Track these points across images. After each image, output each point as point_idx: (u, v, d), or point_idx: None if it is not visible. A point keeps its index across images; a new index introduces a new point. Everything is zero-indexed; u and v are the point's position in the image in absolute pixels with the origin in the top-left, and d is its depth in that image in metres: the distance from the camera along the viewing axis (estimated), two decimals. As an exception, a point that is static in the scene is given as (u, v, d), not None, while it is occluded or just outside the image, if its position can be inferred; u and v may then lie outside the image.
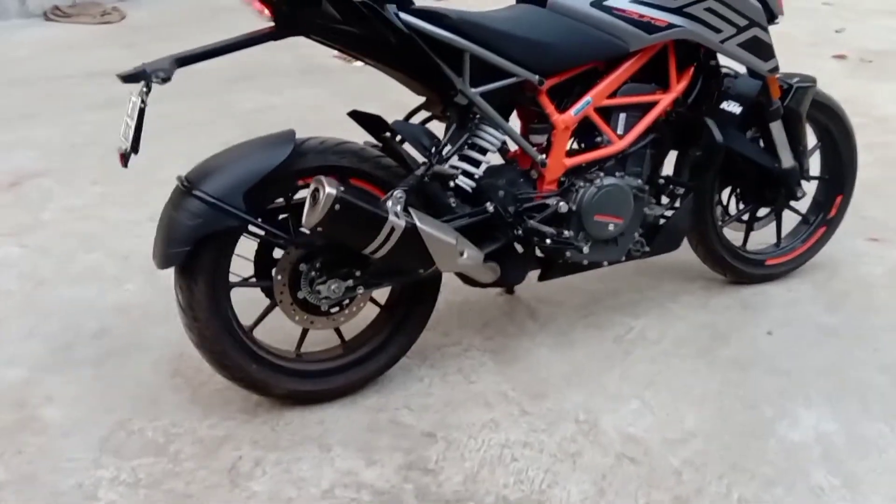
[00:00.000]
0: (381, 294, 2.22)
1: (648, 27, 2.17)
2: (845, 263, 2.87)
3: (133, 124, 1.80)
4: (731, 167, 2.56)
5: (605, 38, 2.15)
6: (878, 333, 2.48)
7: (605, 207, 2.23)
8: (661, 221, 2.41)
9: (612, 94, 2.25)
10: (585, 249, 2.26)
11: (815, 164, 2.75)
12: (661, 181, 2.39)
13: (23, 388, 2.20)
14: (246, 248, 2.03)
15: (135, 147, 1.81)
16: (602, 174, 2.25)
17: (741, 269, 2.68)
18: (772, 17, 2.40)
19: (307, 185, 1.95)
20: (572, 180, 2.24)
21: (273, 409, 2.13)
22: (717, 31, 2.24)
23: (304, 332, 2.13)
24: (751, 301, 2.66)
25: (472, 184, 2.15)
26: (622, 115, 2.27)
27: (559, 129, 2.20)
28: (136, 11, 6.66)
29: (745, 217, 2.69)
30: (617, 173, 2.27)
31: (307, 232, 1.93)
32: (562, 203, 2.20)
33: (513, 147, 2.26)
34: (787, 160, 2.53)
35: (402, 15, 1.91)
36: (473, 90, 2.05)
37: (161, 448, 2.00)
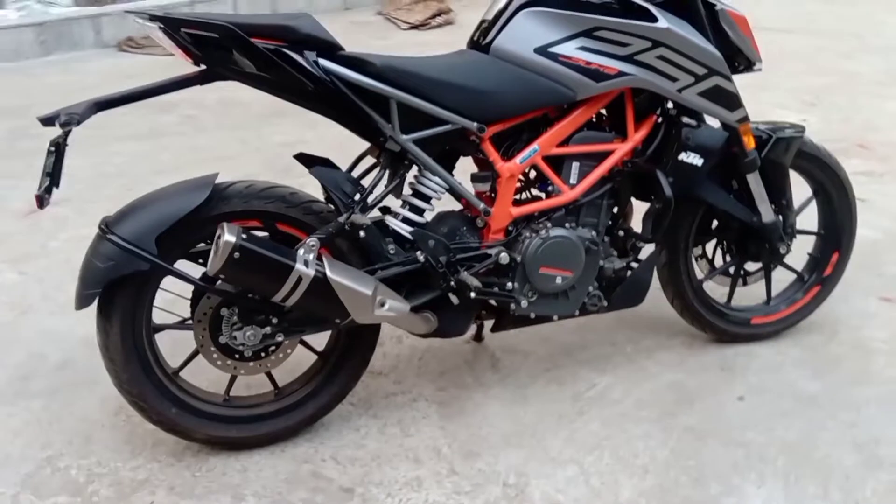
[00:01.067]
0: (321, 339, 2.18)
1: (596, 75, 2.06)
2: (848, 325, 2.64)
3: (50, 164, 1.81)
4: (711, 219, 2.42)
5: (550, 86, 2.06)
6: (861, 406, 2.26)
7: (552, 260, 2.13)
8: (625, 274, 2.27)
9: (564, 142, 2.15)
10: (530, 303, 2.15)
11: (811, 218, 2.56)
12: (621, 233, 2.27)
13: (-30, 417, 2.26)
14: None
15: (54, 182, 1.81)
16: (549, 225, 2.14)
17: (721, 328, 2.50)
18: (748, 64, 2.26)
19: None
20: (520, 230, 2.15)
21: (200, 454, 2.11)
22: (673, 79, 2.11)
23: (233, 377, 2.11)
24: (732, 362, 2.48)
25: (407, 227, 2.09)
26: (575, 164, 2.17)
27: (504, 178, 2.11)
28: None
29: (732, 271, 2.52)
30: (567, 224, 2.16)
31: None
32: (503, 254, 2.11)
33: None
34: (768, 214, 2.35)
35: (322, 62, 1.88)
36: (405, 137, 2.00)
37: (79, 488, 2.00)
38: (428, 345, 2.56)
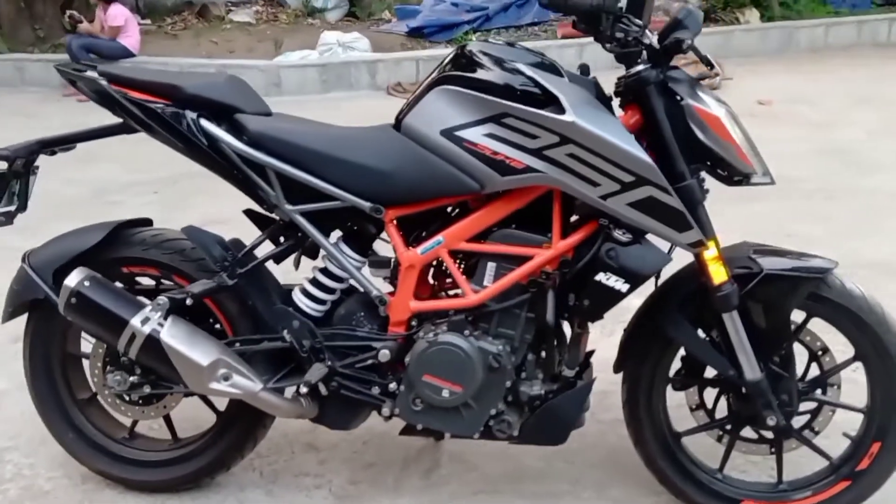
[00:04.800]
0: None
1: (502, 167, 1.74)
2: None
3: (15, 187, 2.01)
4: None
5: (452, 174, 1.79)
6: None
7: (436, 369, 1.84)
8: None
9: (480, 238, 1.86)
10: (414, 412, 1.89)
11: (857, 387, 1.89)
12: (543, 354, 1.89)
13: None
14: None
15: (21, 206, 2.01)
16: (444, 329, 1.86)
17: (696, 500, 1.95)
18: (741, 174, 1.76)
19: (132, 273, 2.02)
20: (420, 328, 1.90)
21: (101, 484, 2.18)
22: (593, 183, 1.70)
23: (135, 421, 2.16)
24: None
25: (316, 307, 1.97)
26: (491, 265, 1.85)
27: (403, 267, 1.89)
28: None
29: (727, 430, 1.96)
30: (465, 331, 1.85)
31: None
32: (385, 351, 1.88)
33: None
34: (750, 369, 1.79)
35: (203, 123, 1.85)
36: (290, 207, 1.88)
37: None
38: (386, 429, 2.36)
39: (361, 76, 7.30)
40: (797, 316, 1.86)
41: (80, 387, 2.15)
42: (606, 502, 2.08)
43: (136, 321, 1.84)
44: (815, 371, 1.91)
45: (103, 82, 1.85)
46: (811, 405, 1.92)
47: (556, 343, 1.90)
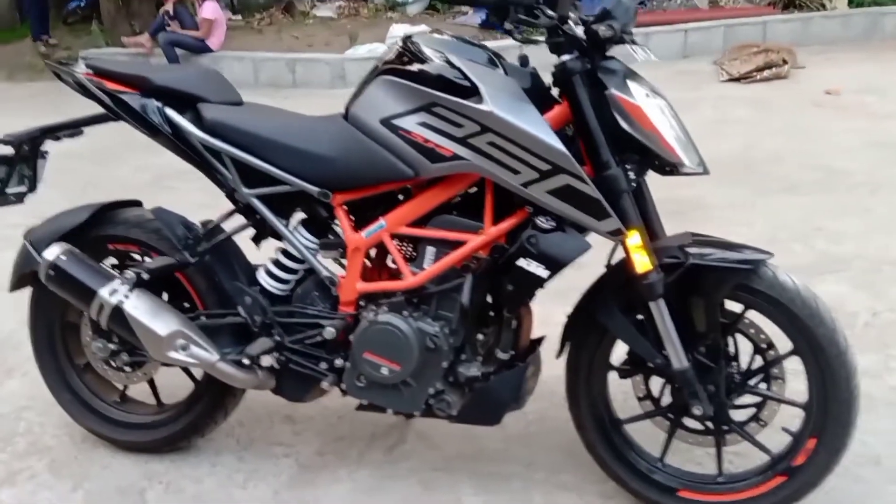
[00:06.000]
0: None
1: (432, 155, 1.81)
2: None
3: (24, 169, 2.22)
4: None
5: (389, 161, 1.86)
6: None
7: (376, 347, 1.93)
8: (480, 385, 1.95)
9: (421, 223, 1.93)
10: (359, 388, 1.98)
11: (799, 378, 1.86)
12: (480, 337, 1.94)
13: None
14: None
15: (31, 187, 2.22)
16: (385, 309, 1.95)
17: (634, 487, 1.97)
18: (672, 164, 1.76)
19: (118, 250, 2.19)
20: (366, 308, 1.99)
21: (87, 442, 2.38)
22: (514, 171, 1.74)
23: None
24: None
25: (278, 286, 2.09)
26: (431, 249, 1.92)
27: (350, 249, 1.98)
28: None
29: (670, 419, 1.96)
30: (404, 312, 1.93)
31: None
32: (330, 328, 1.98)
33: None
34: (677, 358, 1.79)
35: (168, 111, 1.99)
36: (247, 191, 2.01)
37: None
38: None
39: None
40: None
41: (77, 353, 2.34)
42: (555, 486, 2.12)
43: (104, 292, 2.01)
44: (760, 364, 1.89)
45: (79, 74, 2.02)
46: (757, 398, 1.91)
47: (496, 326, 1.95)
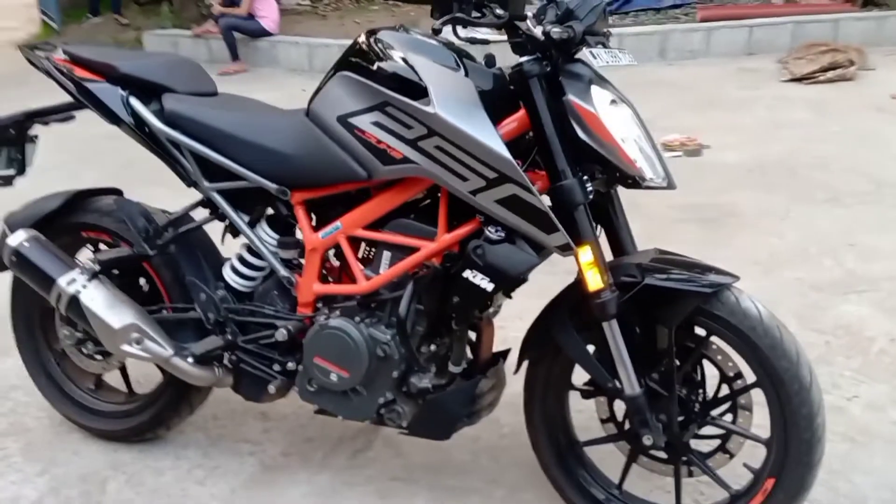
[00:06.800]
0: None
1: (384, 156, 1.74)
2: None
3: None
4: None
5: (344, 160, 1.80)
6: None
7: (326, 352, 1.87)
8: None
9: (377, 226, 1.86)
10: (310, 393, 1.94)
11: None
12: (433, 348, 1.86)
13: None
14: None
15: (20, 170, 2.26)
16: (337, 313, 1.89)
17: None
18: (629, 177, 1.64)
19: (91, 238, 2.19)
20: (321, 311, 1.94)
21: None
22: (463, 178, 1.65)
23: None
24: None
25: (241, 282, 2.06)
26: (386, 254, 1.85)
27: (307, 250, 1.93)
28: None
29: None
30: (356, 317, 1.87)
31: None
32: (283, 330, 1.93)
33: None
34: (629, 383, 1.68)
35: (132, 101, 1.97)
36: (207, 184, 1.98)
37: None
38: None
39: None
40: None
41: (55, 338, 2.35)
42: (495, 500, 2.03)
43: (62, 281, 2.01)
44: (726, 393, 1.76)
45: (45, 61, 2.02)
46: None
47: (449, 339, 1.87)
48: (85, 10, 10.59)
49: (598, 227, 1.82)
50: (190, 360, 2.00)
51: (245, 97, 2.15)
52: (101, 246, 2.21)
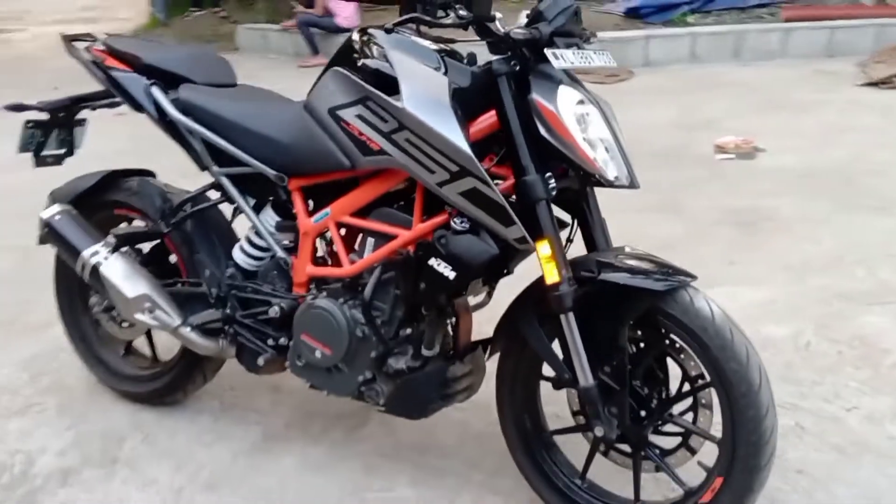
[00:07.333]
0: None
1: (365, 148, 1.84)
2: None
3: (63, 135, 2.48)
4: None
5: (331, 150, 1.92)
6: None
7: (311, 329, 2.00)
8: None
9: (362, 214, 1.97)
10: (299, 367, 2.07)
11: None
12: (408, 331, 1.96)
13: None
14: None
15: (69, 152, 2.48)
16: (325, 294, 2.01)
17: (548, 500, 1.92)
18: (591, 176, 1.70)
19: (121, 216, 2.39)
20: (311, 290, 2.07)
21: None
22: (430, 171, 1.73)
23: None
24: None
25: (249, 261, 2.22)
26: (370, 240, 1.96)
27: (301, 233, 2.06)
28: (647, 76, 6.92)
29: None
30: (340, 299, 1.99)
31: None
32: (276, 308, 2.07)
33: None
34: (583, 376, 1.73)
35: (154, 90, 2.15)
36: (217, 169, 2.13)
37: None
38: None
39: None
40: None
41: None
42: (488, 489, 2.10)
43: (86, 253, 2.20)
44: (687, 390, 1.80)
45: (84, 52, 2.22)
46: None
47: (430, 322, 1.96)
48: (188, 4, 11.16)
49: (575, 222, 1.90)
50: (194, 330, 2.17)
51: (262, 89, 2.30)
52: (136, 222, 2.41)
